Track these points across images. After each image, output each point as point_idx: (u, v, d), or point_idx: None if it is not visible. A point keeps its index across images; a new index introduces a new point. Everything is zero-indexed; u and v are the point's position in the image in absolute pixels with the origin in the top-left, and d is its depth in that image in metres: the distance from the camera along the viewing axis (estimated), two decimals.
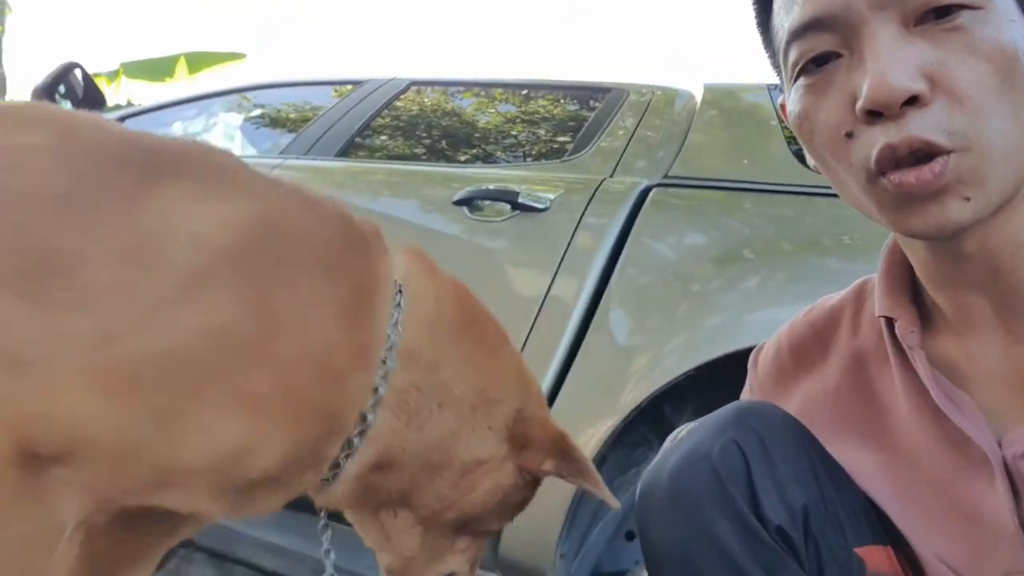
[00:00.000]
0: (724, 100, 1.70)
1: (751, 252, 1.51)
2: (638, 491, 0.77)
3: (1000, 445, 0.63)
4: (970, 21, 0.57)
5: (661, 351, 1.43)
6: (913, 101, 0.57)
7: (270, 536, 1.56)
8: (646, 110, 1.77)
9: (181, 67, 4.57)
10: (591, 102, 1.93)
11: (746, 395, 0.87)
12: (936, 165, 0.57)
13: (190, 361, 0.63)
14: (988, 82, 0.57)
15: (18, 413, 0.61)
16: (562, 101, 2.08)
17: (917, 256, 0.68)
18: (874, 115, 0.58)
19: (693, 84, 1.82)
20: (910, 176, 0.57)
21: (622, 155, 1.68)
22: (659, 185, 1.58)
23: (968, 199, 0.58)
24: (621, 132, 1.75)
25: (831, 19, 0.60)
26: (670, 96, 1.80)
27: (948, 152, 0.57)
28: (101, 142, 0.72)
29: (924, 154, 0.57)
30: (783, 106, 0.69)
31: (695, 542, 0.66)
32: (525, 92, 2.15)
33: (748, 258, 1.51)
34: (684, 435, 0.73)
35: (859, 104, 0.58)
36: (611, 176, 1.64)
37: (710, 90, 1.75)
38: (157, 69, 4.59)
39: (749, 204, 1.54)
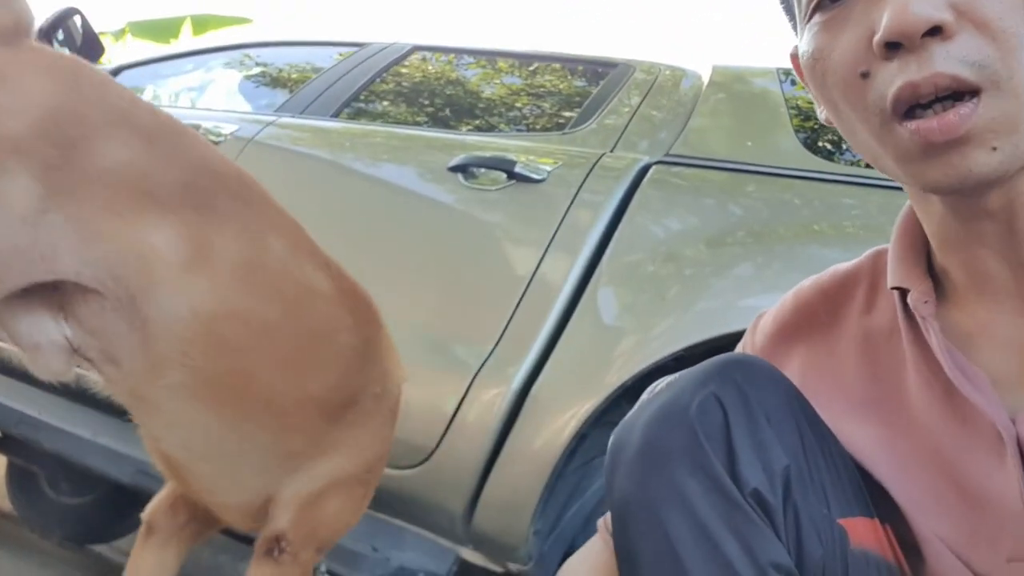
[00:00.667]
0: (732, 83, 1.66)
1: (748, 236, 1.48)
2: (610, 443, 0.73)
3: (1014, 422, 0.59)
4: None
5: (649, 333, 1.40)
6: (936, 32, 0.52)
7: None
8: (651, 88, 1.73)
9: (186, 28, 4.52)
10: (597, 77, 1.89)
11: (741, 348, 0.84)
12: (964, 108, 0.52)
13: None
14: (1021, 11, 0.52)
15: None
16: (568, 74, 2.03)
17: (933, 215, 0.64)
18: (893, 48, 0.54)
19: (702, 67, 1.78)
20: (931, 123, 0.53)
21: (624, 131, 1.64)
22: (659, 163, 1.54)
23: (995, 148, 0.53)
24: (625, 109, 1.71)
25: None
26: (677, 75, 1.76)
27: (977, 92, 0.53)
28: None
29: (949, 94, 0.53)
30: (794, 56, 0.66)
31: (663, 501, 0.61)
32: (531, 64, 2.11)
33: (745, 242, 1.48)
34: (663, 387, 0.67)
35: (877, 37, 0.54)
36: (611, 152, 1.60)
37: (718, 71, 1.71)
38: (163, 29, 4.54)
39: (751, 187, 1.50)
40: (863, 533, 0.64)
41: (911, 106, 0.54)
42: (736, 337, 0.88)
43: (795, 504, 0.61)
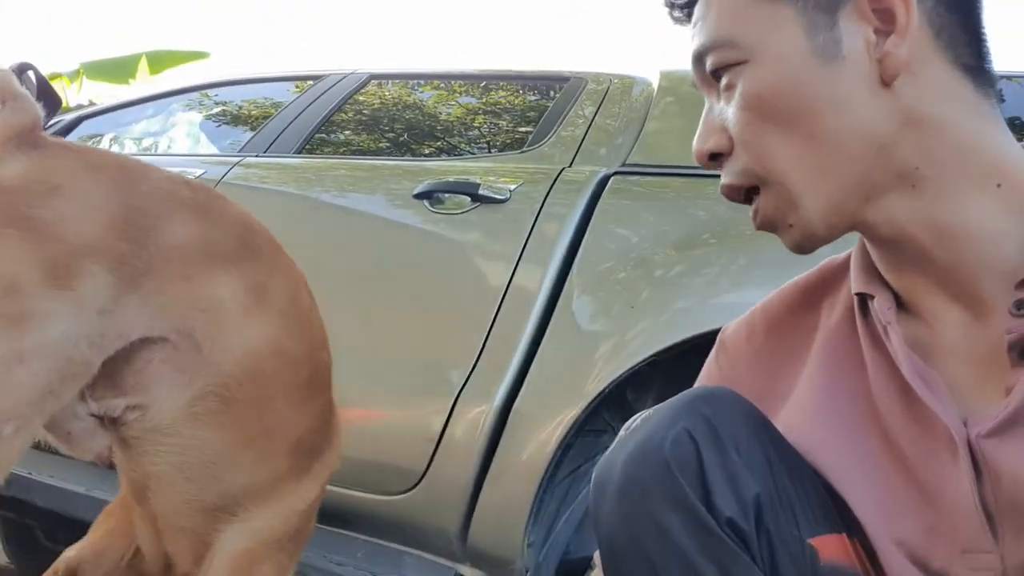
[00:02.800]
0: (680, 86, 1.71)
1: (712, 237, 1.52)
2: (592, 482, 0.77)
3: (965, 424, 0.64)
4: (737, 77, 0.67)
5: (624, 337, 1.44)
6: (719, 155, 0.69)
7: None
8: (604, 98, 1.77)
9: (143, 67, 4.49)
10: (551, 92, 1.93)
11: (711, 370, 0.87)
12: (754, 205, 0.69)
13: None
14: (756, 128, 0.66)
15: None
16: (522, 91, 2.07)
17: (867, 246, 0.73)
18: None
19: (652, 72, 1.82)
20: (750, 208, 0.70)
21: (580, 144, 1.68)
22: (617, 173, 1.59)
23: (791, 225, 0.68)
24: (580, 121, 1.75)
25: (694, 74, 0.73)
26: (627, 83, 1.80)
27: (754, 190, 0.68)
28: None
29: (742, 195, 0.70)
30: None
31: (646, 536, 0.66)
32: (484, 83, 2.14)
33: (710, 243, 1.52)
34: (638, 424, 0.72)
35: None
36: (570, 166, 1.64)
37: (666, 76, 1.75)
38: (119, 69, 4.51)
39: (710, 189, 1.54)
40: (833, 549, 0.68)
41: None
42: (710, 336, 0.92)
43: (767, 529, 0.66)
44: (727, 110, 0.68)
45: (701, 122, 0.70)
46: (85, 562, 1.00)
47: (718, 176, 0.75)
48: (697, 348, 1.34)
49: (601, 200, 1.56)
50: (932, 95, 0.64)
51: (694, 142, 0.70)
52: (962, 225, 0.63)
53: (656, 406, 0.72)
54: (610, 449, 0.73)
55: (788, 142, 0.65)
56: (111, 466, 1.00)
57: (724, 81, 0.68)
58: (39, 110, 0.86)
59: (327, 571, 1.47)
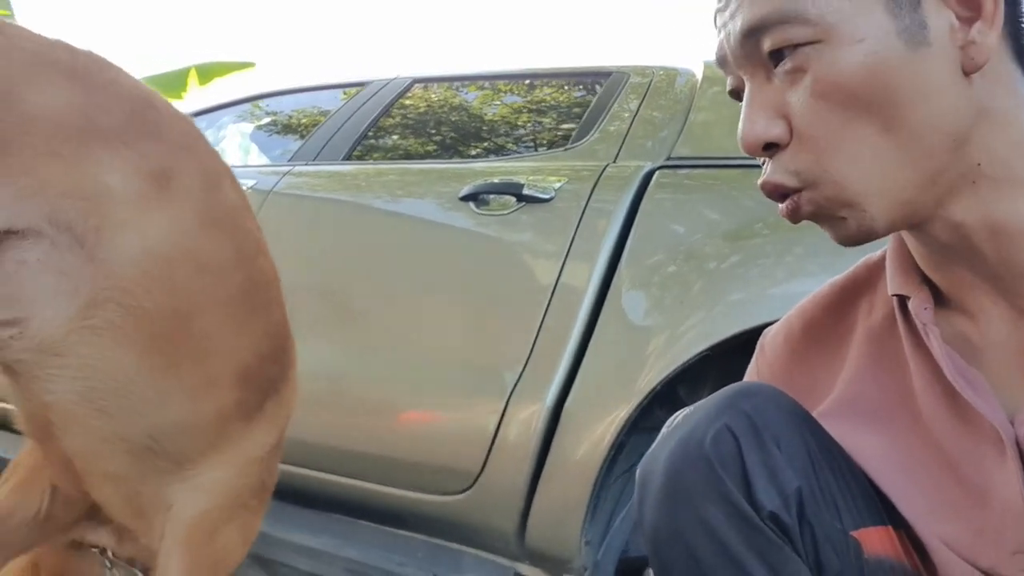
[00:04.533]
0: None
1: (765, 227, 1.50)
2: (637, 478, 0.77)
3: (1012, 423, 0.62)
4: (808, 59, 0.60)
5: (677, 331, 1.43)
6: (775, 145, 0.63)
7: (304, 539, 1.60)
8: (647, 91, 1.75)
9: (192, 79, 4.61)
10: (593, 87, 1.92)
11: (751, 374, 0.87)
12: (789, 203, 0.64)
13: None
14: (828, 119, 0.60)
15: None
16: (564, 88, 2.07)
17: (908, 240, 0.70)
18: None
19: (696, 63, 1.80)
20: (782, 206, 0.65)
21: (625, 139, 1.67)
22: (663, 167, 1.57)
23: (844, 218, 0.63)
24: (624, 115, 1.74)
25: (723, 62, 0.66)
26: (671, 75, 1.78)
27: (798, 190, 0.63)
28: None
29: (779, 193, 0.64)
30: None
31: (691, 532, 0.66)
32: (527, 82, 2.14)
33: (763, 233, 1.50)
34: (679, 421, 0.73)
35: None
36: (614, 161, 1.63)
37: (710, 66, 1.73)
38: (171, 83, 4.63)
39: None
40: (877, 542, 0.67)
41: None
42: (764, 328, 0.91)
43: (810, 522, 0.65)
44: (791, 96, 0.61)
45: (747, 106, 0.63)
46: None
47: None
48: (752, 342, 1.32)
49: (647, 194, 1.55)
50: (1001, 88, 0.61)
51: (742, 128, 0.63)
52: (1017, 223, 0.61)
53: (696, 404, 0.72)
54: (652, 447, 0.73)
55: (862, 135, 0.59)
56: None
57: (789, 64, 0.61)
58: None
59: (388, 571, 1.49)
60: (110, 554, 0.95)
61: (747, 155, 0.66)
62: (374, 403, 1.62)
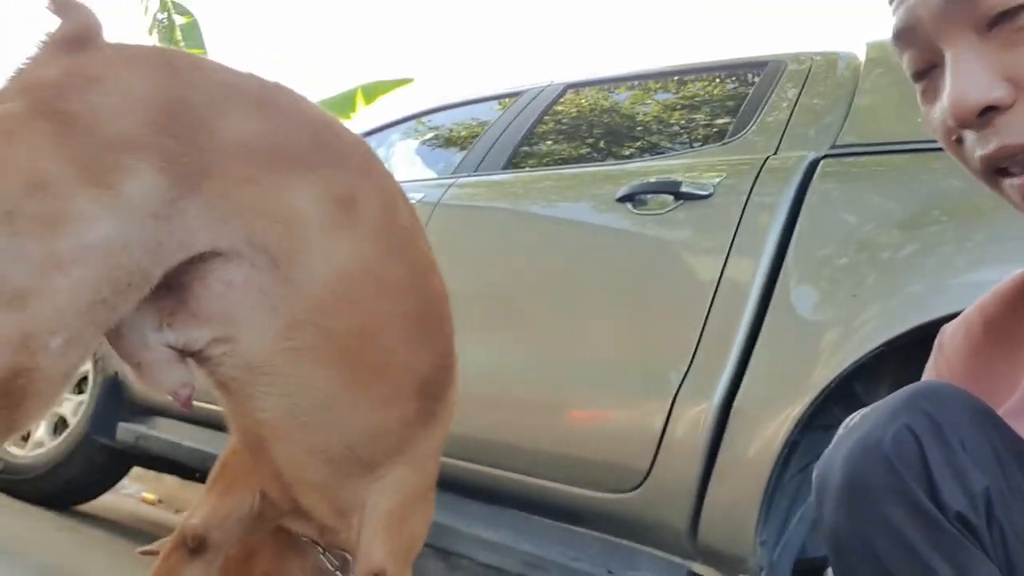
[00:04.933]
0: (892, 56, 1.60)
1: (943, 214, 1.42)
2: (814, 479, 0.77)
3: None
4: None
5: (851, 326, 1.38)
6: (992, 110, 0.58)
7: (482, 532, 1.68)
8: (807, 78, 1.70)
9: (359, 99, 4.93)
10: (749, 78, 1.88)
11: (929, 372, 0.84)
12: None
13: None
14: None
15: None
16: (719, 82, 2.04)
17: None
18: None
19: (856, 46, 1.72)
20: (1018, 181, 0.59)
21: (785, 129, 1.63)
22: (828, 156, 1.52)
23: None
24: (783, 105, 1.70)
25: (911, 33, 0.62)
26: (831, 60, 1.71)
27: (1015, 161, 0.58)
28: None
29: (1010, 163, 0.59)
30: None
31: (873, 533, 0.65)
32: (679, 78, 2.13)
33: (940, 220, 1.42)
34: (856, 422, 0.72)
35: (948, 121, 0.59)
36: (775, 153, 1.60)
37: (874, 47, 1.65)
38: (341, 105, 4.97)
39: (937, 164, 1.44)
40: None
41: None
42: (946, 320, 0.88)
43: (999, 522, 0.63)
44: (1017, 57, 0.58)
45: (958, 71, 0.59)
46: (214, 528, 0.94)
47: (941, 149, 0.70)
48: (931, 335, 1.26)
49: (812, 185, 1.51)
50: None
51: (957, 93, 0.58)
52: None
53: (872, 405, 0.71)
54: (829, 448, 0.73)
55: None
56: (187, 405, 0.87)
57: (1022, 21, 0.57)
58: (96, 19, 0.78)
59: (563, 565, 1.54)
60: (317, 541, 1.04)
61: (928, 135, 0.64)
62: (543, 402, 1.68)
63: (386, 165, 2.82)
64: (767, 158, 1.59)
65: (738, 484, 1.37)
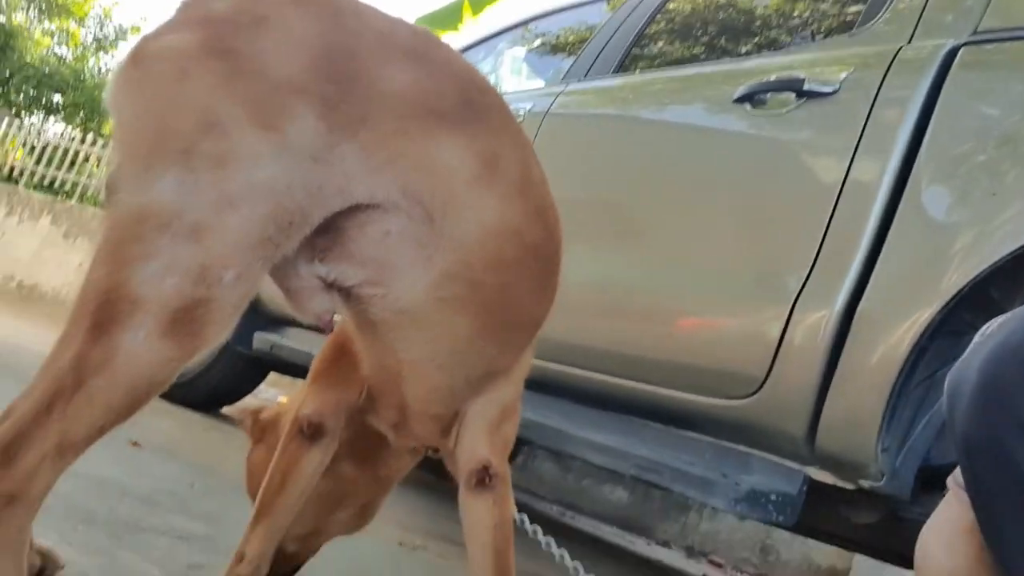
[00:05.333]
0: None
1: None
2: (946, 385, 0.75)
3: None
4: None
5: (988, 227, 1.30)
6: None
7: (596, 435, 1.72)
8: None
9: (466, 11, 4.85)
10: None
11: None
12: None
13: None
14: None
15: None
16: None
17: None
18: None
19: None
20: None
21: (920, 15, 1.50)
22: (968, 43, 1.40)
23: None
24: None
25: None
26: None
27: None
28: None
29: None
30: None
31: (1008, 435, 0.64)
32: None
33: None
34: (994, 328, 0.70)
35: None
36: (909, 43, 1.48)
37: None
38: (447, 18, 4.90)
39: None
40: None
41: None
42: None
43: None
44: None
45: None
46: (328, 416, 0.99)
47: None
48: None
49: (950, 76, 1.40)
50: None
51: None
52: None
53: (1012, 311, 0.67)
54: (965, 354, 0.72)
55: None
56: (328, 328, 0.93)
57: None
58: None
59: (677, 470, 1.56)
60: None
61: None
62: (658, 309, 1.68)
63: (494, 76, 2.79)
64: (900, 49, 1.48)
65: (860, 390, 1.34)
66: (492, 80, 2.74)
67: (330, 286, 0.85)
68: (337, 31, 0.79)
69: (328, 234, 0.80)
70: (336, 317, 0.93)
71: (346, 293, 0.86)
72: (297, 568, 1.13)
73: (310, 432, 0.99)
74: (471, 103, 0.86)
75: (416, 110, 0.80)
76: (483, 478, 0.94)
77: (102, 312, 0.67)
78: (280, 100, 0.73)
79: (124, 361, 0.66)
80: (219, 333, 0.72)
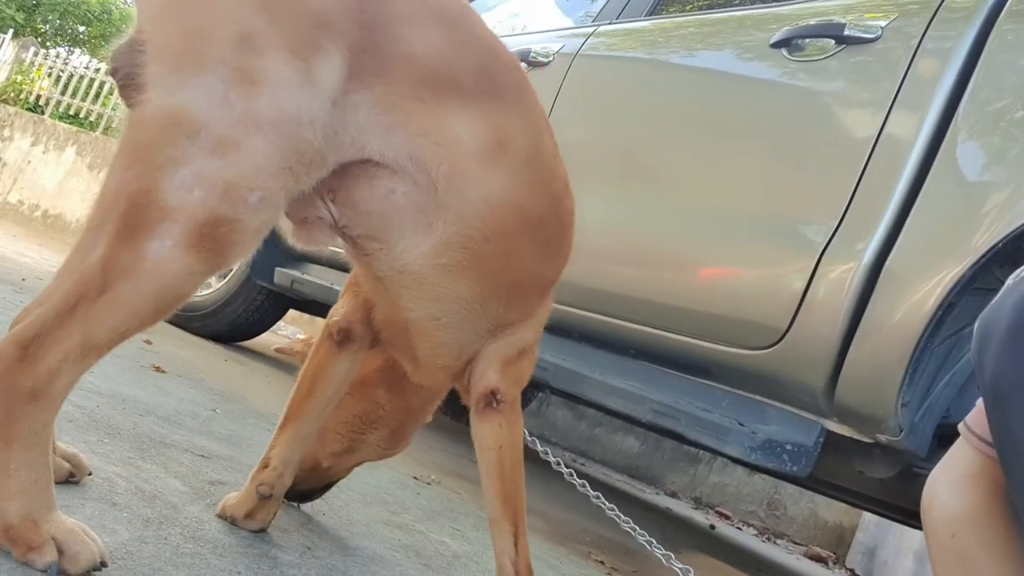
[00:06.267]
0: None
1: None
2: (976, 328, 0.74)
3: None
4: None
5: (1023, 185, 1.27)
6: None
7: (613, 380, 1.72)
8: None
9: None
10: None
11: None
12: None
13: None
14: None
15: None
16: None
17: None
18: None
19: None
20: None
21: None
22: None
23: None
24: None
25: None
26: None
27: None
28: None
29: None
30: None
31: None
32: None
33: None
34: None
35: None
36: None
37: None
38: None
39: None
40: None
41: None
42: None
43: None
44: None
45: None
46: (356, 323, 1.02)
47: None
48: None
49: (997, 26, 1.35)
50: None
51: None
52: None
53: None
54: (996, 298, 0.71)
55: None
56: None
57: None
58: None
59: (693, 415, 1.57)
60: None
61: None
62: (681, 257, 1.66)
63: (523, 18, 2.72)
64: None
65: (883, 345, 1.33)
66: (519, 20, 2.68)
67: (335, 227, 0.87)
68: None
69: (339, 178, 0.81)
70: None
71: (352, 242, 0.89)
72: (330, 485, 1.16)
73: (339, 337, 1.02)
74: (490, 77, 0.88)
75: (434, 77, 0.81)
76: (491, 402, 0.97)
77: (131, 216, 0.67)
78: (311, 30, 0.73)
79: (152, 268, 0.67)
80: (241, 254, 0.72)
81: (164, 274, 0.67)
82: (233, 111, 0.69)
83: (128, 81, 0.73)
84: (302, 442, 1.02)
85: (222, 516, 0.96)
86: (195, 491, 1.02)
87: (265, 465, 1.00)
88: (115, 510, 0.84)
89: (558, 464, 1.07)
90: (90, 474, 0.90)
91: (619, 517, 1.39)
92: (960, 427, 0.77)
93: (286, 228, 0.89)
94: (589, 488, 1.09)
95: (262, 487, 0.98)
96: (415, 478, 1.69)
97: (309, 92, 0.72)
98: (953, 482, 0.74)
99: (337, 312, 1.03)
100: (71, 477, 0.86)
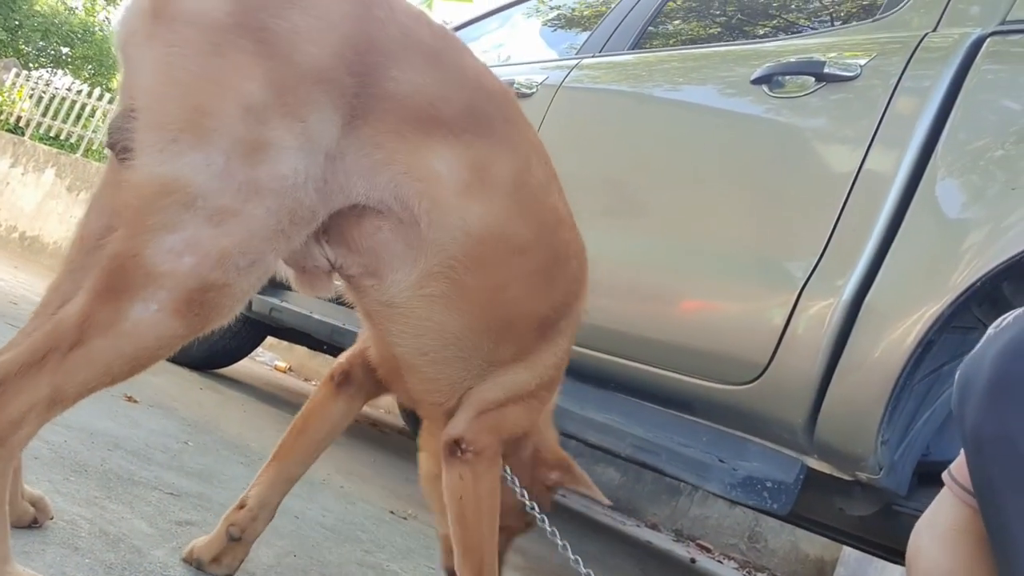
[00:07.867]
0: None
1: None
2: (957, 377, 0.73)
3: None
4: None
5: (1003, 223, 1.28)
6: None
7: (593, 414, 1.71)
8: None
9: None
10: None
11: None
12: None
13: None
14: None
15: None
16: None
17: None
18: None
19: None
20: None
21: (947, 3, 1.47)
22: (996, 33, 1.37)
23: None
24: None
25: None
26: None
27: None
28: None
29: None
30: None
31: (1018, 427, 0.62)
32: None
33: None
34: (1009, 321, 0.69)
35: None
36: (934, 30, 1.45)
37: None
38: None
39: None
40: None
41: None
42: None
43: None
44: None
45: None
46: (357, 366, 1.03)
47: None
48: None
49: (974, 67, 1.37)
50: None
51: None
52: None
53: None
54: (977, 347, 0.70)
55: None
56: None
57: None
58: None
59: (673, 451, 1.55)
60: None
61: None
62: (661, 291, 1.66)
63: (508, 49, 2.74)
64: (924, 36, 1.44)
65: (863, 382, 1.33)
66: (503, 51, 2.70)
67: (334, 270, 0.89)
68: (366, 18, 0.79)
69: (330, 219, 0.82)
70: None
71: (349, 281, 0.90)
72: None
73: (339, 379, 1.04)
74: (473, 111, 0.88)
75: (416, 114, 0.81)
76: (454, 450, 0.96)
77: (115, 277, 0.66)
78: (306, 89, 0.73)
79: (131, 329, 0.66)
80: (226, 317, 0.73)
81: (144, 336, 0.67)
82: (233, 181, 0.69)
83: (126, 156, 0.72)
84: (284, 484, 1.00)
85: (188, 560, 0.93)
86: (161, 533, 0.99)
87: (241, 505, 0.97)
88: (77, 555, 0.81)
89: (522, 495, 1.06)
90: (51, 518, 0.87)
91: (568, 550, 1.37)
92: (944, 476, 0.76)
93: (288, 275, 0.91)
94: (547, 523, 1.08)
95: (232, 528, 0.95)
96: (391, 512, 1.66)
97: (307, 152, 0.73)
98: (938, 537, 0.73)
99: (343, 355, 1.05)
100: (34, 523, 0.83)
